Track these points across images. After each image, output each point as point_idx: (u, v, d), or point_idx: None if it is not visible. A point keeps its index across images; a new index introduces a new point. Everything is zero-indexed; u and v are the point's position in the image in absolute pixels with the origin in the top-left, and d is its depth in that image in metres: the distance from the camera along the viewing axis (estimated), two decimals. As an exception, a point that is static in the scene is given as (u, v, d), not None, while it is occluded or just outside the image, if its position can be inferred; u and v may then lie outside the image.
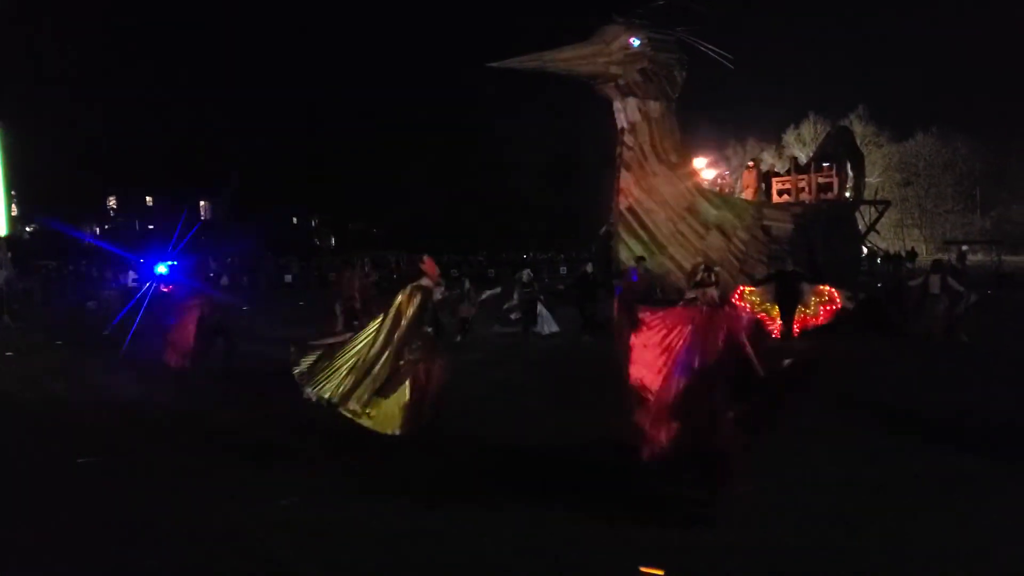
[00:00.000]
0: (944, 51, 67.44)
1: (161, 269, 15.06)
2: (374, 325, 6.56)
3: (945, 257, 16.61)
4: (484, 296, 12.93)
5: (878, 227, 21.75)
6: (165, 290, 12.86)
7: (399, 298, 6.51)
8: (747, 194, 19.29)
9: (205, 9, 72.61)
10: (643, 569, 4.16)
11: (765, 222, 15.93)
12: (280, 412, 7.43)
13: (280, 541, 4.62)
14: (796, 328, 12.27)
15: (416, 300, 6.52)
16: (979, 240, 49.06)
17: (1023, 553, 4.35)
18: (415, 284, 6.64)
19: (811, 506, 5.12)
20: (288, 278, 36.26)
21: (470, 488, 5.56)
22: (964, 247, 36.26)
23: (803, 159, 19.80)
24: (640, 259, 14.12)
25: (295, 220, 57.80)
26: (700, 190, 16.45)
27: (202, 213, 58.60)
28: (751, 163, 21.53)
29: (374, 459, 6.09)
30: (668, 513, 5.02)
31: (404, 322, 6.45)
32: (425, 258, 6.99)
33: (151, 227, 52.60)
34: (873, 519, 4.86)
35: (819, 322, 12.41)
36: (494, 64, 14.60)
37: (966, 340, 11.73)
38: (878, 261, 33.51)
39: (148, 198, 59.38)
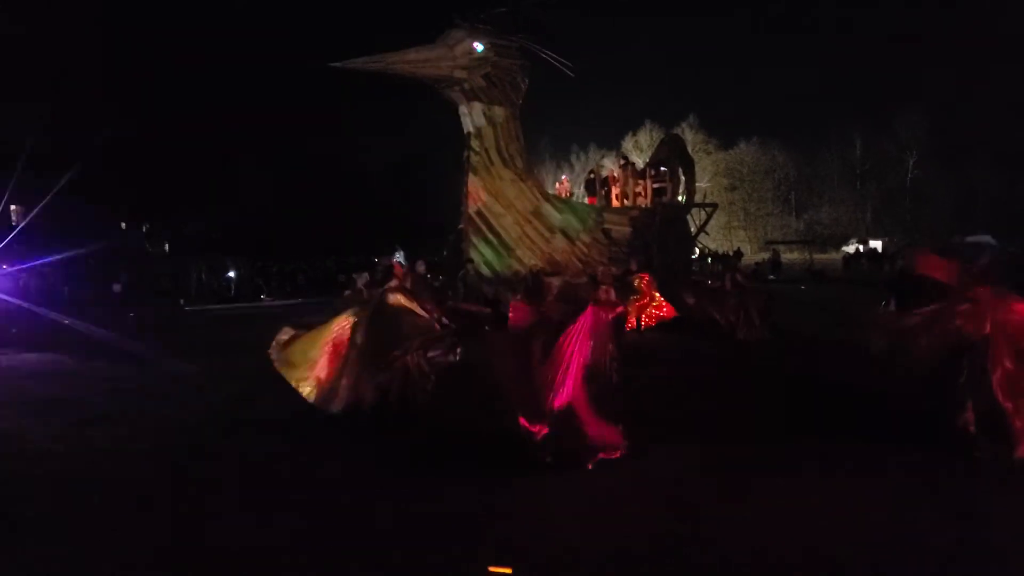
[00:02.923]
0: (763, 66, 73.99)
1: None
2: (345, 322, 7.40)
3: (731, 254, 18.48)
4: None
5: (708, 229, 23.40)
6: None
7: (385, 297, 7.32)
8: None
9: (10, -10, 65.09)
10: (491, 569, 4.19)
11: (606, 225, 16.69)
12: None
13: None
14: (644, 323, 13.51)
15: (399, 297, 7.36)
16: (795, 240, 54.19)
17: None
18: (389, 286, 7.44)
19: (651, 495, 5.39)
20: (117, 287, 33.30)
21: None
22: (776, 247, 40.02)
23: (640, 165, 20.84)
24: (469, 261, 14.54)
25: (123, 225, 53.24)
26: (544, 194, 16.93)
27: (13, 218, 52.53)
28: (590, 172, 22.43)
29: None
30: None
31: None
32: (394, 263, 8.08)
33: (-55, 234, 46.38)
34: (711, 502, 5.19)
35: (651, 323, 13.48)
36: (336, 64, 14.23)
37: (767, 335, 12.71)
38: (708, 261, 36.14)
39: (-59, 202, 52.31)
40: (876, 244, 48.32)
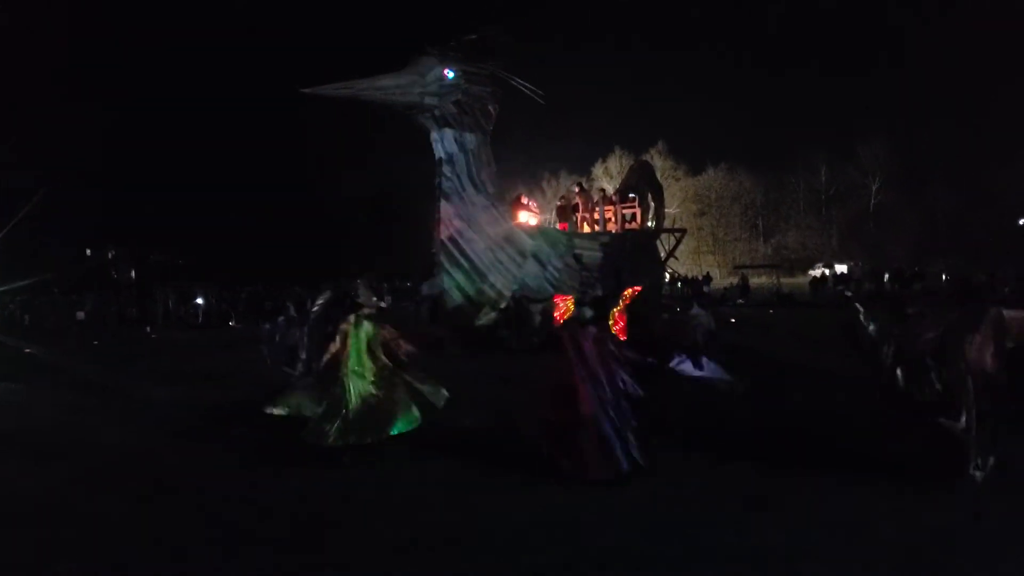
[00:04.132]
0: (730, 94, 75.59)
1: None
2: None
3: (700, 279, 18.78)
4: None
5: (677, 253, 23.65)
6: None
7: (367, 329, 7.08)
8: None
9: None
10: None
11: (576, 251, 16.80)
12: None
13: None
14: None
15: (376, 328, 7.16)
16: (763, 264, 54.97)
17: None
18: (362, 313, 7.21)
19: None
20: (80, 315, 32.58)
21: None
22: (744, 271, 40.56)
23: (610, 190, 21.10)
24: (440, 290, 14.83)
25: (88, 252, 52.24)
26: (517, 221, 17.02)
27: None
28: (561, 199, 22.65)
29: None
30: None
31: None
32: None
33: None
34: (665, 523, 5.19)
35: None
36: (307, 90, 14.22)
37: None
38: (678, 285, 36.51)
39: None
40: (842, 268, 49.18)
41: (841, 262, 52.87)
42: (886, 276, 35.74)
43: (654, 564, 4.63)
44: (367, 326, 7.13)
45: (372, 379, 6.99)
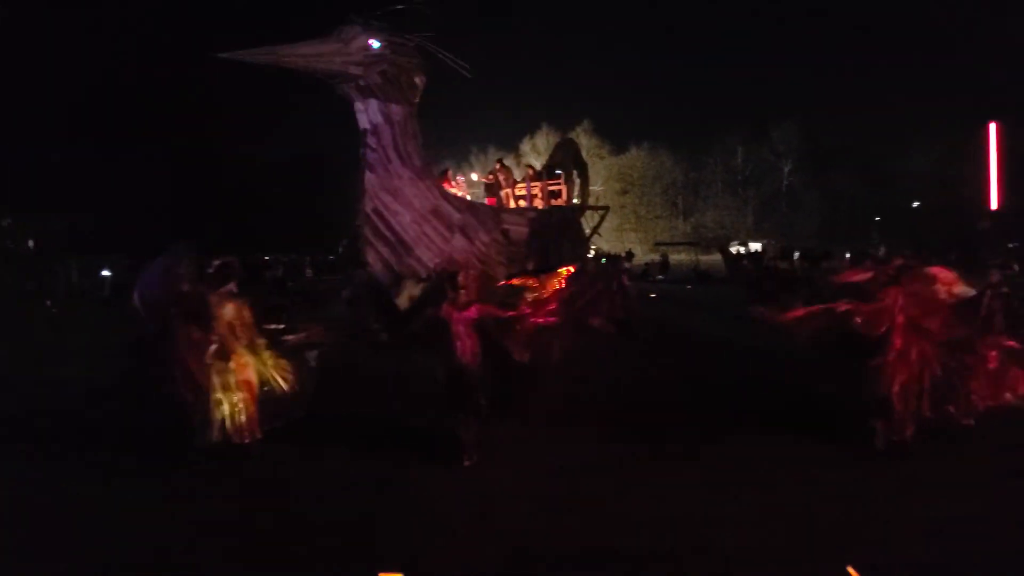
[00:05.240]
0: (653, 75, 76.84)
1: None
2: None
3: (623, 256, 19.41)
4: None
5: (601, 231, 24.05)
6: None
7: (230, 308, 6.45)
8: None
9: None
10: (381, 575, 4.18)
11: (504, 226, 16.81)
12: None
13: None
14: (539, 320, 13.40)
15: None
16: (682, 242, 56.54)
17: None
18: (224, 291, 6.54)
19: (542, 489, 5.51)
20: (-30, 289, 30.45)
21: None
22: (664, 249, 41.67)
23: (538, 167, 21.17)
24: (362, 264, 14.50)
25: (-20, 219, 48.66)
26: (444, 194, 16.86)
27: None
28: (489, 174, 22.56)
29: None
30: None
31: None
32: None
33: None
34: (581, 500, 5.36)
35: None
36: (224, 55, 13.58)
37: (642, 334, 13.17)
38: (602, 261, 37.09)
39: None
40: (756, 246, 51.12)
41: (756, 240, 54.97)
42: (796, 255, 37.39)
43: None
44: (230, 308, 6.50)
45: (241, 365, 6.43)
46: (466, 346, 6.12)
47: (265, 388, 6.57)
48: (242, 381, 6.41)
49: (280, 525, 5.01)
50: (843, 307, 6.51)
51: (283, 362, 6.71)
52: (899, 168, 54.50)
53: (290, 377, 6.67)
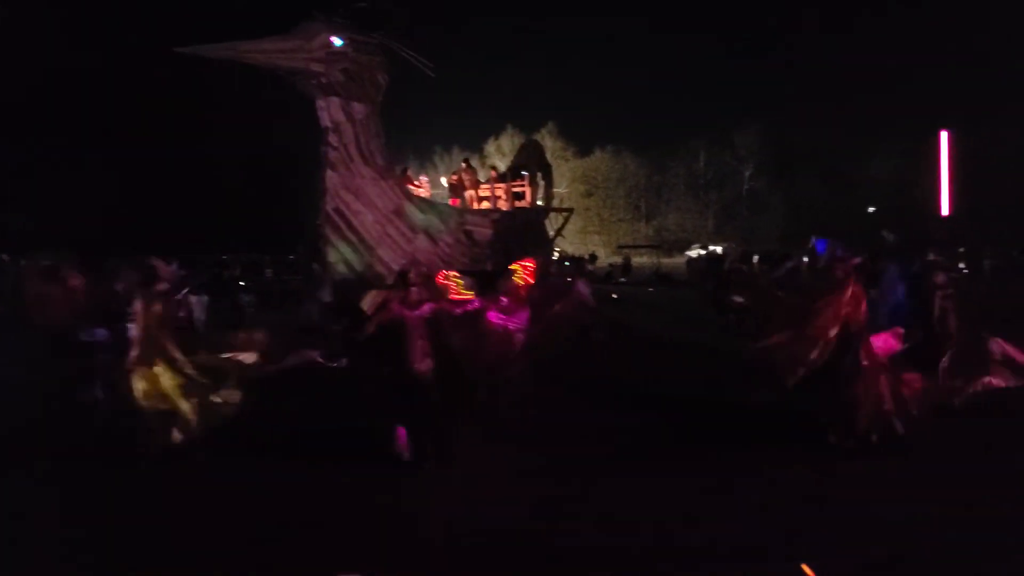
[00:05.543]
0: (617, 77, 77.43)
1: None
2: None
3: (586, 258, 19.64)
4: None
5: (564, 233, 24.15)
6: None
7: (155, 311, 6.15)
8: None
9: None
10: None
11: (467, 227, 16.79)
12: None
13: None
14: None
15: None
16: (644, 245, 57.08)
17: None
18: (156, 290, 6.26)
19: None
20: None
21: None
22: (627, 251, 42.05)
23: (502, 168, 21.18)
24: (317, 263, 14.28)
25: (-74, 216, 46.74)
26: (407, 194, 16.76)
27: None
28: (454, 175, 22.48)
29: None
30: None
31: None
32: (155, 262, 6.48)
33: None
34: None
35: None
36: (183, 50, 13.32)
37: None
38: (565, 264, 37.25)
39: None
40: (717, 249, 51.87)
41: (717, 243, 55.74)
42: (755, 258, 38.03)
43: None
44: (155, 312, 6.22)
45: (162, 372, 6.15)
46: (418, 346, 5.96)
47: (191, 397, 6.25)
48: (163, 388, 6.13)
49: (228, 530, 4.89)
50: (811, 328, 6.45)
51: (200, 375, 6.38)
52: (859, 173, 55.84)
53: (204, 392, 6.33)
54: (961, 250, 25.96)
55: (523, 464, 6.18)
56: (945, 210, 38.50)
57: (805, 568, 4.28)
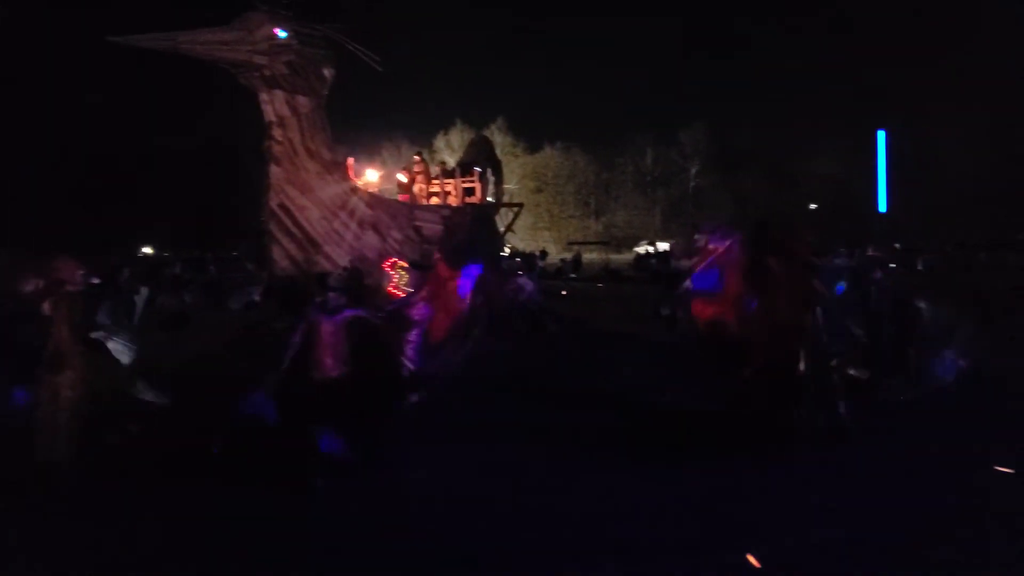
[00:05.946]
0: (566, 73, 77.88)
1: None
2: None
3: (536, 254, 19.72)
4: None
5: (515, 228, 24.18)
6: None
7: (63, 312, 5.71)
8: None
9: None
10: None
11: (417, 223, 16.63)
12: None
13: None
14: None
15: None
16: (594, 241, 57.61)
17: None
18: (64, 291, 5.78)
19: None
20: None
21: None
22: (577, 247, 42.39)
23: (452, 164, 21.08)
24: (240, 259, 13.92)
25: None
26: (355, 189, 16.50)
27: None
28: (403, 170, 22.25)
29: None
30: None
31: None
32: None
33: None
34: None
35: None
36: (117, 39, 12.81)
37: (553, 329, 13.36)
38: (516, 259, 37.31)
39: None
40: (664, 245, 52.63)
41: (663, 240, 56.58)
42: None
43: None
44: (63, 312, 5.82)
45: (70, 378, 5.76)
46: (329, 353, 5.67)
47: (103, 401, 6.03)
48: (70, 395, 5.74)
49: (163, 549, 4.70)
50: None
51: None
52: (803, 170, 57.39)
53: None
54: (897, 246, 26.87)
55: (458, 464, 6.09)
56: (883, 207, 39.82)
57: (751, 559, 4.34)
